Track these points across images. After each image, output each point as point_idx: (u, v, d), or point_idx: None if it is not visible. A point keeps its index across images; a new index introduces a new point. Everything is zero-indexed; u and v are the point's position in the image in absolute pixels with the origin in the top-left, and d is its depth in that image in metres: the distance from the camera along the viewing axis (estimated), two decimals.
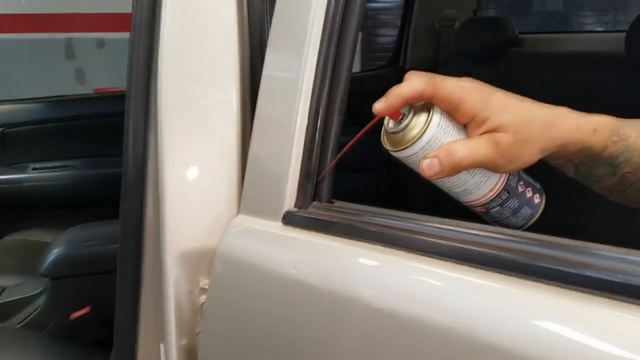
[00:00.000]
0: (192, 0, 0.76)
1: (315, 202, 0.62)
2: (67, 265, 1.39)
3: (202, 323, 0.68)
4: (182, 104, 0.73)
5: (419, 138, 0.51)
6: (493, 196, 0.55)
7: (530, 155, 0.51)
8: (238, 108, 0.75)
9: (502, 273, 0.43)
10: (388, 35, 4.65)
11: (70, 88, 4.12)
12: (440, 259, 0.48)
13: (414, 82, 0.52)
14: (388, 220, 0.55)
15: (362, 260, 0.53)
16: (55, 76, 4.06)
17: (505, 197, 0.55)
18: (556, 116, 0.52)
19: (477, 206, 0.57)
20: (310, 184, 0.62)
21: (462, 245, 0.47)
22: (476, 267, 0.45)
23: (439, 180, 0.53)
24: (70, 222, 1.55)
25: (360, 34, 0.69)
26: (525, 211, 0.57)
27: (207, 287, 0.67)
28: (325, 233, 0.57)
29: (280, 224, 0.61)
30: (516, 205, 0.56)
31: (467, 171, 0.53)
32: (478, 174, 0.54)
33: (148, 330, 0.78)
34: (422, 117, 0.52)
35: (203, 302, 0.68)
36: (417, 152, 0.52)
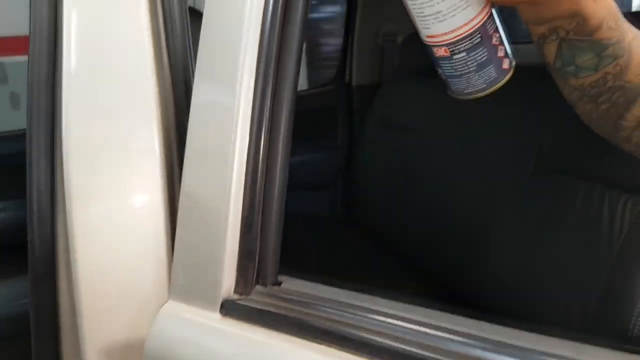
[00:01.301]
0: (97, 28, 0.67)
1: (258, 287, 0.53)
2: None
3: None
4: (90, 147, 0.63)
5: None
6: (464, 33, 0.49)
7: None
8: (161, 151, 0.66)
9: None
10: (334, 45, 4.62)
11: (5, 114, 3.90)
12: None
13: None
14: (338, 312, 0.47)
15: None
16: None
17: (477, 41, 0.50)
18: None
19: (442, 45, 0.50)
20: (252, 264, 0.54)
21: (411, 349, 0.40)
22: None
23: None
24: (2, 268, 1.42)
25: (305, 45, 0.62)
26: (490, 71, 0.52)
27: None
28: (270, 328, 0.49)
29: (218, 315, 0.52)
30: (484, 59, 0.51)
31: None
32: None
33: None
34: None
35: None
36: None
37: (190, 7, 0.79)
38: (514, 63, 0.53)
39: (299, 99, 2.40)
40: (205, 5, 0.63)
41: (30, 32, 0.70)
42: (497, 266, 1.31)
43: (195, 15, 0.90)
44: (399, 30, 2.00)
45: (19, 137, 1.96)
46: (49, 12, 0.66)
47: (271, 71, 0.58)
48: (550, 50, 0.53)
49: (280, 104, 0.58)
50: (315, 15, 4.55)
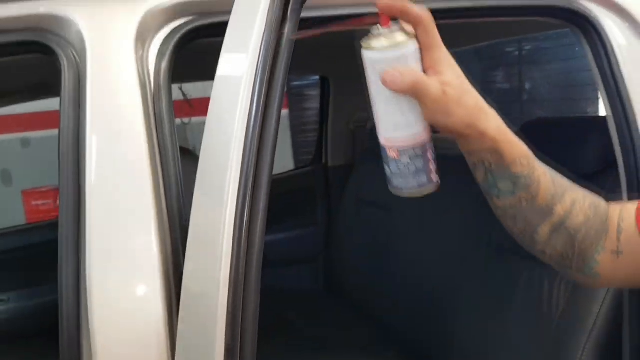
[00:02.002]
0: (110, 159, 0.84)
1: None
2: None
3: None
4: (106, 250, 0.79)
5: (401, 45, 0.59)
6: (413, 144, 0.62)
7: (460, 119, 0.61)
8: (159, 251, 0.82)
9: None
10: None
11: None
12: None
13: (420, 8, 0.61)
14: None
15: None
16: None
17: (419, 152, 0.63)
18: (487, 108, 0.63)
19: (395, 147, 0.63)
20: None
21: None
22: None
23: (385, 99, 0.61)
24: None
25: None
26: (422, 178, 0.64)
27: None
28: None
29: None
30: (420, 167, 0.64)
31: (409, 103, 0.60)
32: (415, 112, 0.61)
33: None
34: (408, 36, 0.60)
35: None
36: (389, 59, 0.59)
37: (182, 147, 0.98)
38: (438, 183, 0.66)
39: (282, 181, 2.60)
40: (203, 142, 0.80)
41: (58, 159, 0.86)
42: (461, 340, 1.46)
43: (186, 153, 1.09)
44: (368, 118, 2.21)
45: (20, 232, 2.12)
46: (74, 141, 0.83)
47: (250, 185, 0.73)
48: (479, 174, 0.69)
49: (255, 217, 0.73)
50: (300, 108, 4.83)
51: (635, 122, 0.98)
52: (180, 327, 0.78)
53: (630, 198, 1.01)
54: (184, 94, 3.52)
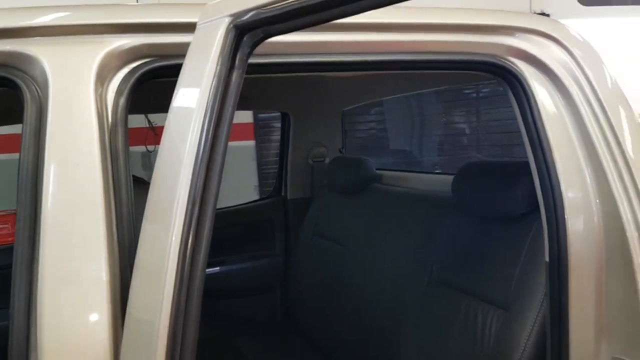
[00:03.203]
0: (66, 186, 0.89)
1: None
2: None
3: None
4: (57, 278, 0.84)
5: None
6: None
7: None
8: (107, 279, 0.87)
9: None
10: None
11: None
12: None
13: None
14: None
15: None
16: None
17: None
18: None
19: None
20: None
21: None
22: None
23: None
24: None
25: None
26: None
27: None
28: None
29: None
30: None
31: None
32: None
33: None
34: None
35: None
36: None
37: (137, 177, 1.04)
38: None
39: (242, 211, 2.64)
40: (154, 172, 0.86)
41: (17, 185, 0.91)
42: None
43: (141, 183, 1.14)
44: (327, 153, 2.30)
45: None
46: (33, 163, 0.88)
47: (196, 213, 0.79)
48: None
49: (199, 245, 0.79)
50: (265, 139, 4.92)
51: (554, 167, 1.09)
52: (123, 350, 0.82)
53: (550, 239, 1.10)
54: (149, 122, 3.57)
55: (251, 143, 4.58)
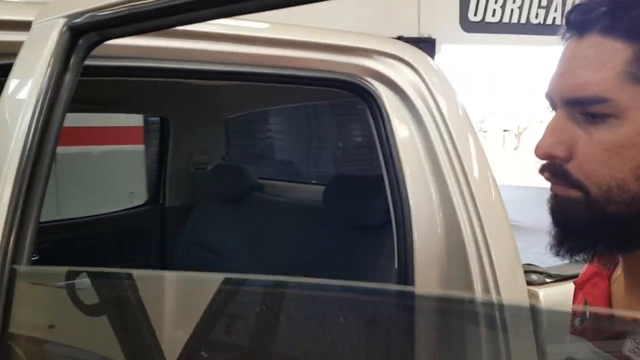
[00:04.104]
0: None
1: None
2: None
3: None
4: None
5: None
6: None
7: None
8: None
9: None
10: None
11: None
12: None
13: None
14: None
15: None
16: None
17: None
18: None
19: None
20: None
21: None
22: None
23: None
24: None
25: None
26: None
27: None
28: None
29: None
30: None
31: None
32: None
33: None
34: None
35: None
36: None
37: None
38: None
39: (114, 219, 2.53)
40: None
41: None
42: None
43: None
44: (209, 160, 2.27)
45: None
46: None
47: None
48: None
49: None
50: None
51: (404, 180, 1.15)
52: None
53: (399, 248, 1.16)
54: None
55: (140, 147, 4.41)
